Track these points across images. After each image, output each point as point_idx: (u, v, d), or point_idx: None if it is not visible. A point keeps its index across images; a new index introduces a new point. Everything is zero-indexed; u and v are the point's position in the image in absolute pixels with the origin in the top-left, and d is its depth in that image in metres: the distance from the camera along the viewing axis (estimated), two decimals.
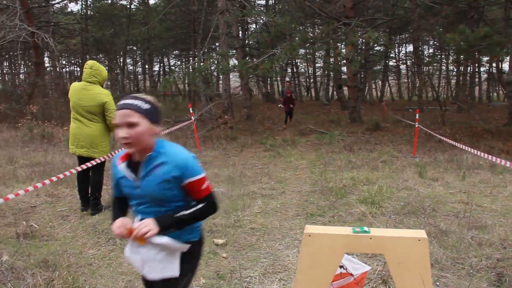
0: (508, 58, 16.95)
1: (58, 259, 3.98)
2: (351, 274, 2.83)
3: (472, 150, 6.86)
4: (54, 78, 21.53)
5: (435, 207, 5.78)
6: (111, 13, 26.90)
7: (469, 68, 30.01)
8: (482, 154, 6.42)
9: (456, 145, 7.73)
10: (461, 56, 24.09)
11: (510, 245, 4.40)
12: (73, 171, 4.77)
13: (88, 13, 29.31)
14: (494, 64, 33.45)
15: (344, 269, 2.82)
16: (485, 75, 43.65)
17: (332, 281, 2.72)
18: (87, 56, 29.80)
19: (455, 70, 35.49)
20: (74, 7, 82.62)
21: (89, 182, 5.57)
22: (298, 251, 4.04)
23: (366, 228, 2.68)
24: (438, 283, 3.62)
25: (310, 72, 48.74)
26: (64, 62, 41.33)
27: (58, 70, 26.19)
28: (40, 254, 4.13)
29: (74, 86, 5.41)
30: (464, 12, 19.49)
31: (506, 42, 11.61)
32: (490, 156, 6.15)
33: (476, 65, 32.64)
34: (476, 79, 37.09)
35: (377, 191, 6.28)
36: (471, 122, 17.76)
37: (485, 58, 33.63)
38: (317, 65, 45.38)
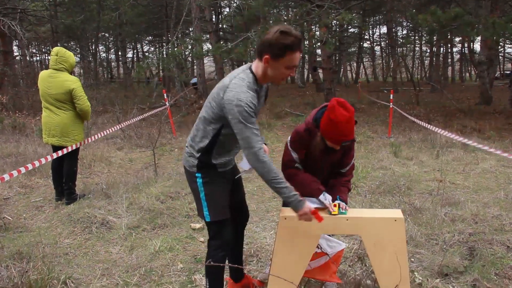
0: (479, 38, 17.18)
1: (32, 250, 3.91)
2: (327, 254, 2.85)
3: (442, 131, 6.97)
4: (24, 67, 20.97)
5: (410, 186, 5.88)
6: None
7: (442, 48, 30.39)
8: (453, 135, 6.54)
9: (428, 127, 7.84)
10: (434, 37, 24.35)
11: (481, 220, 4.51)
12: (43, 160, 4.66)
13: None
14: (466, 45, 33.91)
15: (319, 248, 2.84)
16: (458, 56, 44.36)
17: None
18: (58, 44, 28.96)
19: (429, 51, 35.88)
20: None
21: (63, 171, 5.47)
22: (275, 233, 4.06)
23: (342, 210, 2.70)
24: (413, 259, 3.69)
25: None
26: (34, 50, 40.31)
27: (28, 58, 25.56)
28: (14, 246, 4.06)
29: (42, 74, 5.27)
30: None
31: (476, 23, 11.75)
32: (457, 137, 6.26)
33: (449, 45, 33.12)
34: (449, 60, 37.67)
35: None
36: (445, 102, 18.05)
37: (457, 39, 34.17)
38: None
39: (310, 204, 2.55)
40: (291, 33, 2.38)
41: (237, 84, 2.42)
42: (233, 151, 2.77)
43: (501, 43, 34.94)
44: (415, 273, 3.40)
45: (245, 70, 2.54)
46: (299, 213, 2.48)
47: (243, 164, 2.80)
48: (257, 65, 2.52)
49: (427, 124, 8.05)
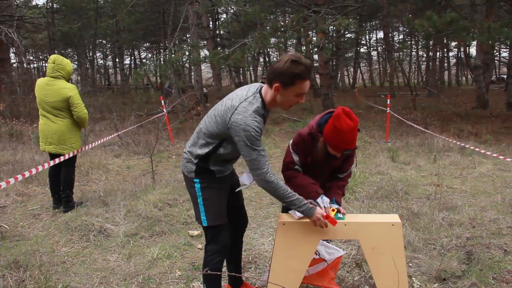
0: (474, 42, 17.28)
1: (29, 259, 3.89)
2: (325, 260, 2.85)
3: (439, 135, 6.99)
4: (21, 74, 20.96)
5: (407, 190, 5.88)
6: (78, 6, 26.15)
7: (438, 53, 30.53)
8: (450, 139, 6.56)
9: (425, 131, 7.86)
10: (430, 42, 24.46)
11: (478, 224, 4.52)
12: (40, 167, 4.65)
13: (54, 6, 28.50)
14: (462, 49, 34.09)
15: (317, 254, 2.84)
16: (454, 60, 44.57)
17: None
18: (55, 51, 29.03)
19: (425, 55, 36.05)
20: (39, 0, 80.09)
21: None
22: (273, 239, 4.06)
23: (340, 215, 2.71)
24: (411, 264, 3.69)
25: None
26: (31, 57, 40.33)
27: (25, 66, 25.53)
28: (10, 255, 4.04)
29: (39, 82, 5.27)
30: None
31: (471, 27, 11.82)
32: (450, 140, 6.28)
33: (445, 50, 33.25)
34: (445, 64, 37.81)
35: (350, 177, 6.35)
36: (442, 106, 18.11)
37: (453, 43, 34.32)
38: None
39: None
40: (301, 61, 2.39)
41: (245, 108, 2.45)
42: (231, 160, 2.79)
43: (496, 47, 35.13)
44: (413, 278, 3.40)
45: (255, 94, 2.54)
46: (312, 219, 2.55)
47: (243, 179, 2.75)
48: (266, 91, 2.54)
49: (424, 128, 8.07)
